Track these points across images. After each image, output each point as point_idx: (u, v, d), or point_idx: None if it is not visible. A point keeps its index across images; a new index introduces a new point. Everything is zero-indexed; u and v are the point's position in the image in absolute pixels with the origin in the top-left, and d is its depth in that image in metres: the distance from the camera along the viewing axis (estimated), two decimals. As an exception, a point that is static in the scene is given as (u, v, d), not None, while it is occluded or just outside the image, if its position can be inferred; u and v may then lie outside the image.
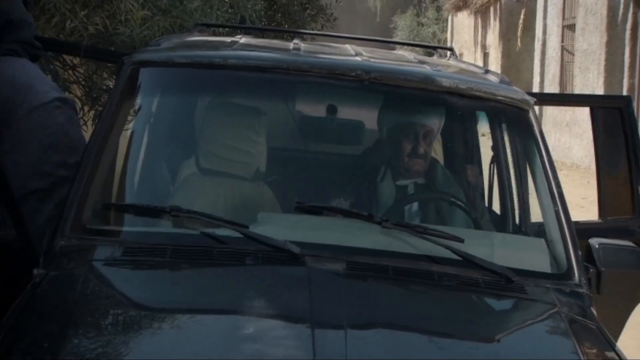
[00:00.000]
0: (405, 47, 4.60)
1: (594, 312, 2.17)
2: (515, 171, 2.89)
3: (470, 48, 23.35)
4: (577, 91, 13.28)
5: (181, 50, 2.71)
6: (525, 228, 2.89)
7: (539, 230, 2.53)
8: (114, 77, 3.43)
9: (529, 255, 2.36)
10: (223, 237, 2.12)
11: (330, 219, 2.31)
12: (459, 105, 2.65)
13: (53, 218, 2.25)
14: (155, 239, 2.18)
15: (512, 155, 2.92)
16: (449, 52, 3.60)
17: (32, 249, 2.30)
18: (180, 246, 2.11)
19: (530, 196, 2.77)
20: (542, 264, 2.29)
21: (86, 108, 4.62)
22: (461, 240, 2.19)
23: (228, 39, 3.00)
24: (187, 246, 2.12)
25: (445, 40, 26.14)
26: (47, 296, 1.93)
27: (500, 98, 2.58)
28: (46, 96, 2.37)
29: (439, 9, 28.21)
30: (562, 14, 14.75)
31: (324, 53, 2.91)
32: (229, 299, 1.99)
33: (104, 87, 4.72)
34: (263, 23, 6.76)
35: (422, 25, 29.31)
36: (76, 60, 4.55)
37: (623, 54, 11.95)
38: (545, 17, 15.67)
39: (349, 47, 3.09)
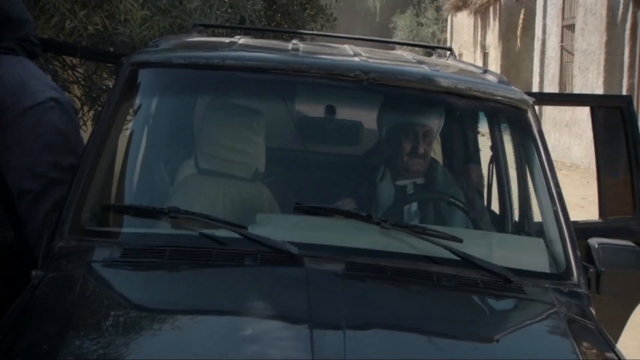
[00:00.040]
0: (404, 47, 4.59)
1: (593, 312, 2.17)
2: (514, 171, 2.88)
3: (470, 48, 23.35)
4: (576, 91, 13.26)
5: (180, 51, 2.71)
6: (525, 228, 2.89)
7: (538, 230, 2.52)
8: (114, 77, 3.43)
9: (528, 255, 2.36)
10: (222, 238, 2.12)
11: (328, 220, 2.31)
12: (458, 106, 2.64)
13: (50, 219, 2.25)
14: (154, 240, 2.18)
15: (512, 155, 2.92)
16: (448, 52, 3.60)
17: (30, 250, 2.30)
18: (179, 247, 2.11)
19: (529, 196, 2.77)
20: (541, 264, 2.29)
21: (85, 108, 4.61)
22: (460, 241, 2.19)
23: (227, 40, 3.00)
24: (186, 247, 2.11)
25: (445, 40, 26.14)
26: (46, 297, 1.93)
27: (499, 98, 2.58)
28: (40, 96, 2.35)
29: (438, 9, 28.23)
30: (562, 14, 14.75)
31: (322, 53, 2.91)
32: (228, 300, 1.98)
33: (104, 87, 4.71)
34: (262, 23, 6.77)
35: (422, 25, 29.33)
36: (76, 60, 4.54)
37: (622, 54, 11.95)
38: (544, 17, 15.67)
39: (348, 48, 3.08)
